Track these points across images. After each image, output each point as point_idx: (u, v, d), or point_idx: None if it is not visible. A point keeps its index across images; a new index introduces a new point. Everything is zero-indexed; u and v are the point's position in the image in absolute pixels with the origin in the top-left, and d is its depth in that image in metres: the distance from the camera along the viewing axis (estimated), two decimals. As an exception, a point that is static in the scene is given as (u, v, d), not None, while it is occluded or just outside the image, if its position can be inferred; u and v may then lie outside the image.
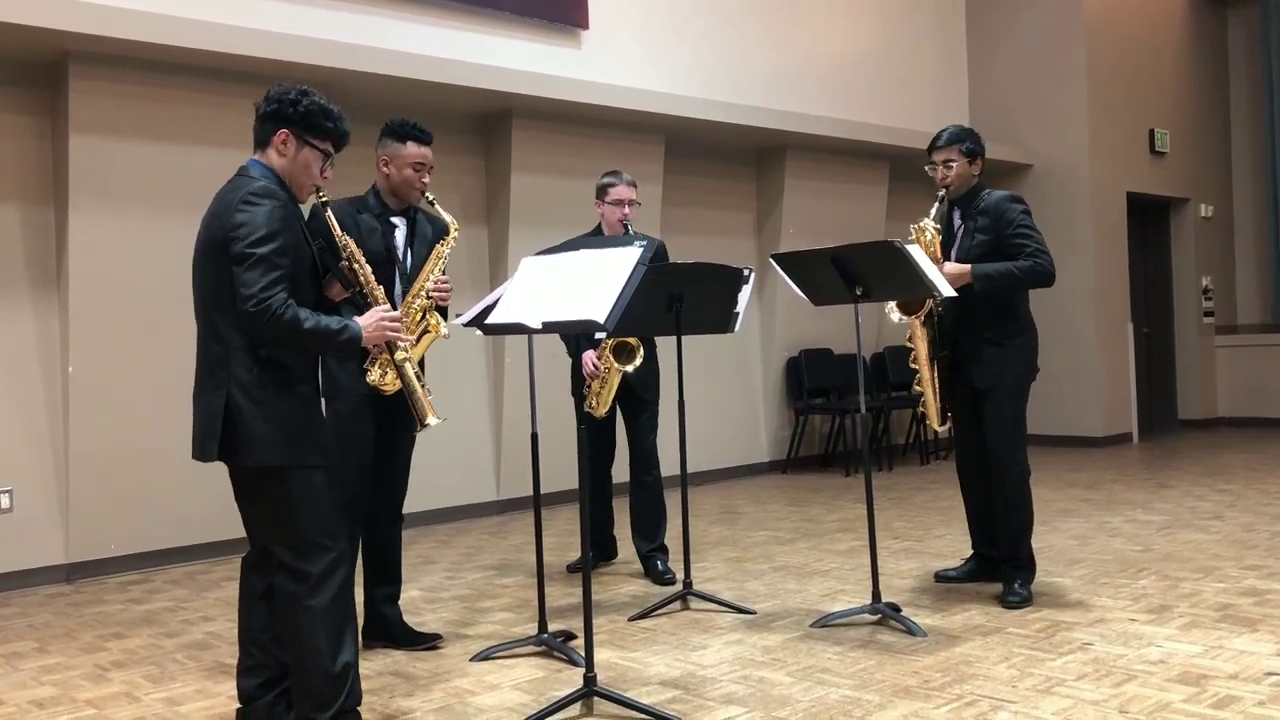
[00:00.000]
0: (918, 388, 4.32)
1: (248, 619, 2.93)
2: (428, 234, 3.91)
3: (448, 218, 3.80)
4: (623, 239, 4.70)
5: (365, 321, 2.89)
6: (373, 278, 3.35)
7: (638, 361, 4.72)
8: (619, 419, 4.99)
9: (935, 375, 4.28)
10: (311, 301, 2.89)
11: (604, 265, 3.10)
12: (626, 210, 4.80)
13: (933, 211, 4.27)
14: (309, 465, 2.77)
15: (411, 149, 3.79)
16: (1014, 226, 4.16)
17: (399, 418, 3.76)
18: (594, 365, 4.72)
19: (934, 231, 4.23)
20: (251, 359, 2.72)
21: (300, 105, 2.86)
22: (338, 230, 3.24)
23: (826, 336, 8.71)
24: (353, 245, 3.31)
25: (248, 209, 2.70)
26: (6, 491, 5.27)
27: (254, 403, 2.71)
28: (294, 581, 2.76)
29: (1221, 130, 11.22)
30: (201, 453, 2.78)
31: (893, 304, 4.23)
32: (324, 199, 3.26)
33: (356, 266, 3.30)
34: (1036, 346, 4.36)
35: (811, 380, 8.64)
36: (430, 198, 3.80)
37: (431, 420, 3.48)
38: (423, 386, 3.41)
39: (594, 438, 4.92)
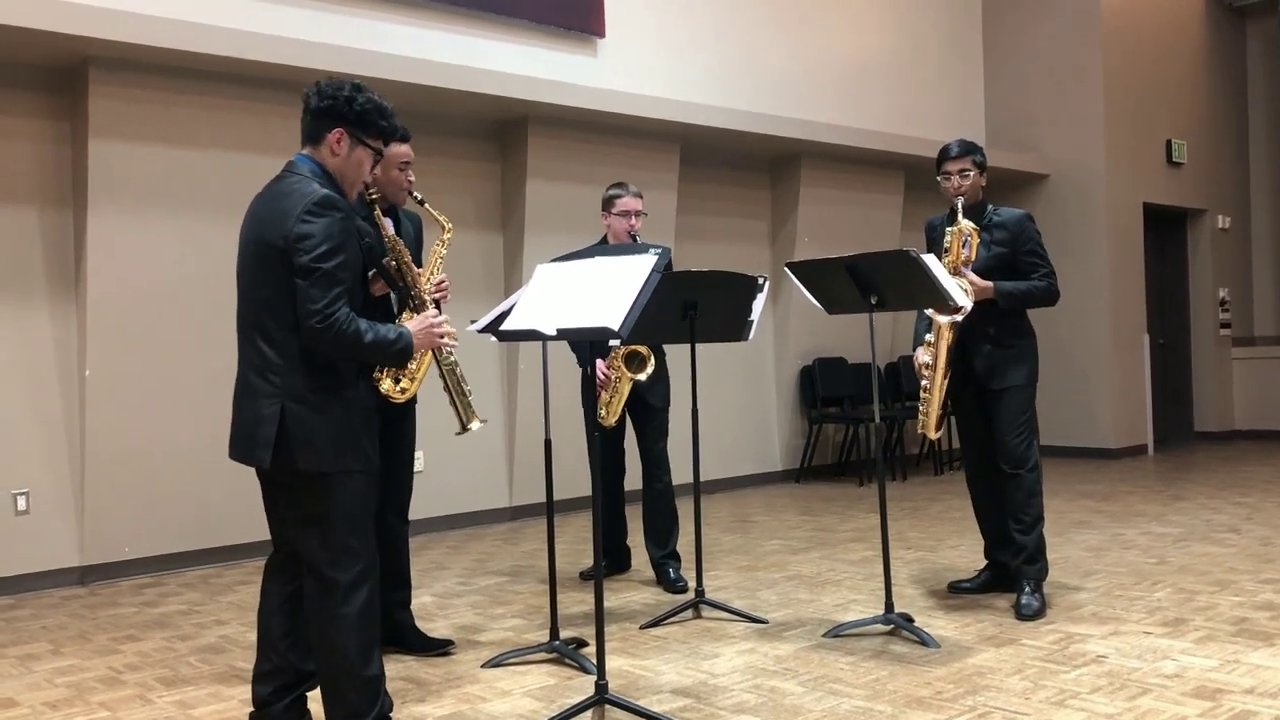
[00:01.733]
0: (924, 394, 4.29)
1: (267, 624, 2.91)
2: (410, 233, 3.90)
3: (440, 217, 3.79)
4: (637, 247, 4.70)
5: (414, 327, 2.86)
6: (420, 277, 3.34)
7: (649, 370, 4.71)
8: (628, 427, 4.99)
9: (945, 382, 4.26)
10: (360, 302, 2.84)
11: (619, 272, 3.10)
12: (633, 222, 4.80)
13: (960, 217, 4.21)
14: (353, 471, 2.75)
15: (396, 148, 3.70)
16: (1031, 244, 4.29)
17: (401, 424, 3.77)
18: (604, 374, 4.73)
19: (972, 231, 4.20)
20: (308, 366, 2.69)
21: (356, 103, 2.80)
22: (389, 230, 3.23)
23: (840, 345, 8.69)
24: (401, 244, 3.30)
25: (314, 220, 2.64)
26: (23, 494, 5.30)
27: (309, 409, 2.68)
28: (325, 588, 2.72)
29: (1239, 141, 11.17)
30: (251, 458, 2.73)
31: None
32: (374, 197, 3.27)
33: (404, 266, 3.29)
34: (1038, 354, 4.38)
35: (825, 389, 8.62)
36: (419, 196, 3.77)
37: (475, 424, 3.51)
38: (466, 390, 3.44)
39: (603, 448, 4.93)
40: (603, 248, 4.74)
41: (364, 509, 2.80)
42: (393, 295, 3.57)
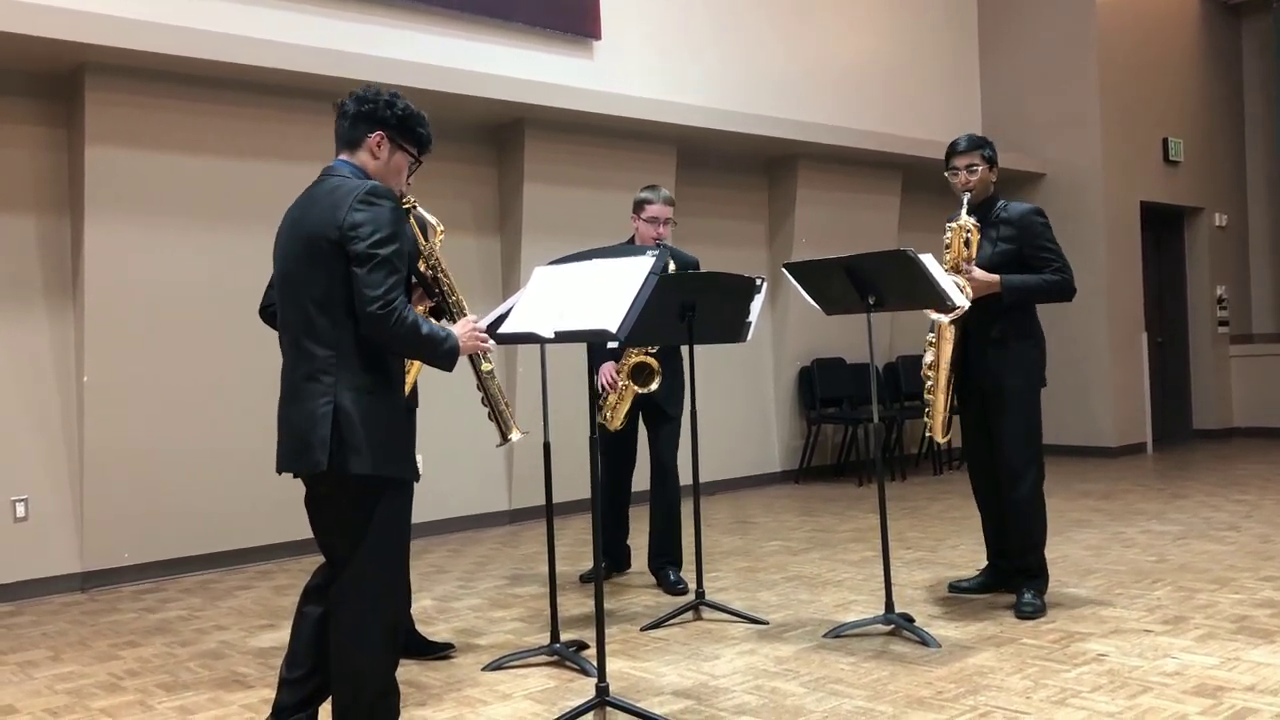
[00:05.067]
0: (929, 395, 4.25)
1: (302, 638, 2.84)
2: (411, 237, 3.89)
3: (431, 219, 3.77)
4: (636, 248, 4.70)
5: (459, 330, 2.82)
6: (456, 286, 3.33)
7: (654, 385, 4.71)
8: (640, 430, 4.98)
9: (950, 382, 4.24)
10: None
11: (616, 275, 3.10)
12: (662, 229, 4.76)
13: (962, 213, 4.19)
14: (405, 479, 2.72)
15: None
16: (1039, 239, 4.21)
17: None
18: (610, 379, 4.72)
19: (974, 228, 4.16)
20: (363, 361, 2.63)
21: (396, 108, 2.83)
22: (423, 238, 3.22)
23: (839, 346, 8.70)
24: (439, 252, 3.28)
25: (367, 208, 2.60)
26: (22, 500, 5.30)
27: (361, 409, 2.61)
28: (355, 598, 2.68)
29: (1235, 139, 11.18)
30: (305, 462, 2.61)
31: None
32: (409, 204, 3.27)
33: (441, 273, 3.28)
34: (1045, 356, 4.32)
35: (824, 390, 8.63)
36: (412, 200, 3.76)
37: (515, 435, 3.49)
38: (503, 399, 3.42)
39: (613, 449, 4.93)
40: (608, 249, 4.74)
41: (406, 521, 2.77)
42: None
